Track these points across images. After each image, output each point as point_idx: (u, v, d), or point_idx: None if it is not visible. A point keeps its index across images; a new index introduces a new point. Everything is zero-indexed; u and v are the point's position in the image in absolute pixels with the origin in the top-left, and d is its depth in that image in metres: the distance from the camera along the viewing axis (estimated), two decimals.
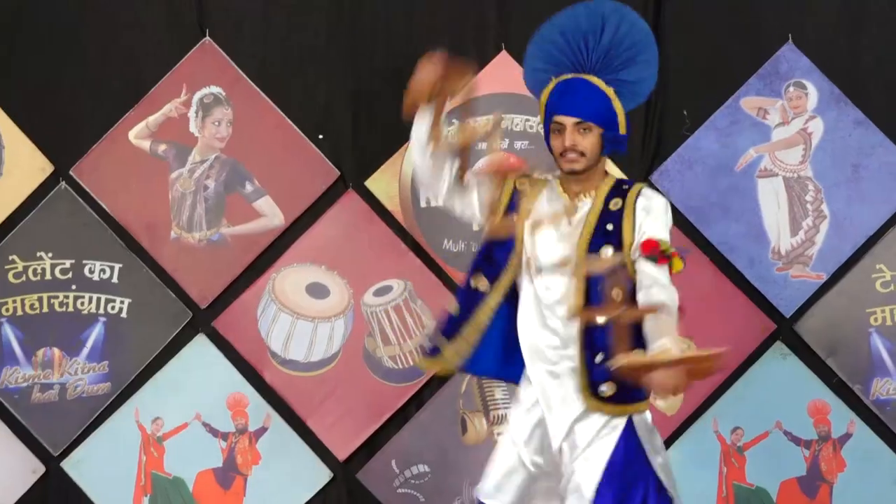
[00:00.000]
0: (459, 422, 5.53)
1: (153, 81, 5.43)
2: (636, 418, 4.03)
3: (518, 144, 5.55)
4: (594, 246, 3.99)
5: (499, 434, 5.53)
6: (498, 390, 5.55)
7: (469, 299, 4.14)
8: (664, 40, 5.43)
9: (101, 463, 5.47)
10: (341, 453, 5.47)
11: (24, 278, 5.47)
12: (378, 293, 5.61)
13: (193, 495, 5.48)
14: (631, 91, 4.11)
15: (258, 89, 5.46)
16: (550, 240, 4.08)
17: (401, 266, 5.58)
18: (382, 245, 5.58)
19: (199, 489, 5.49)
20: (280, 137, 5.53)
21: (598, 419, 4.02)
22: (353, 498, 5.51)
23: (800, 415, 5.38)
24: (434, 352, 4.16)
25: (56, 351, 5.49)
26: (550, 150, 4.09)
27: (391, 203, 5.54)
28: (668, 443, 5.30)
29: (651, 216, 4.04)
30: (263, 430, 5.50)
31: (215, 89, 5.48)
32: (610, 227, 4.00)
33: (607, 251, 3.98)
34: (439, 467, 5.52)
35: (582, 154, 3.99)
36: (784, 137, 5.45)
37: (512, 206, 4.16)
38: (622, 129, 4.07)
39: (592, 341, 3.99)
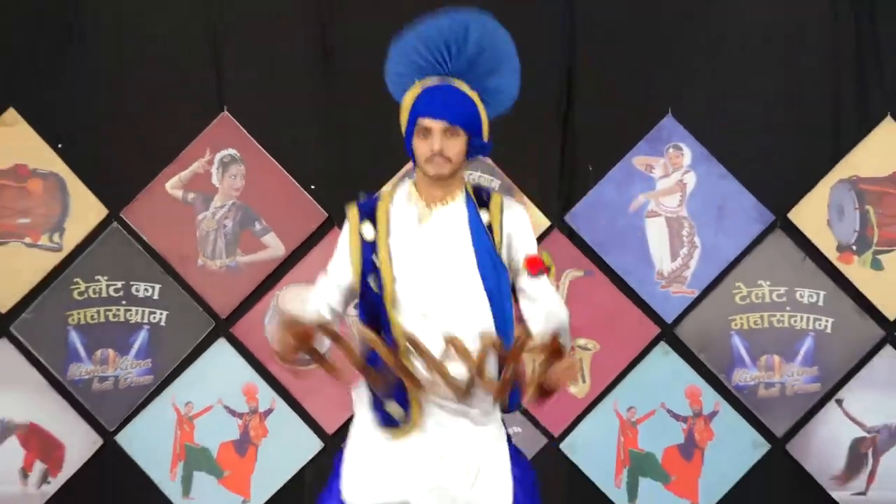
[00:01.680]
0: None
1: (184, 144, 5.87)
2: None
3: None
4: (488, 276, 3.68)
5: None
6: None
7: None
8: (576, 111, 5.82)
9: (145, 436, 5.87)
10: (330, 428, 5.84)
11: (85, 296, 5.86)
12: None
13: (217, 461, 5.87)
14: (495, 99, 3.81)
15: (264, 150, 5.88)
16: (424, 255, 3.71)
17: None
18: None
19: (221, 456, 5.87)
20: (281, 188, 5.88)
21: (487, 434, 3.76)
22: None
23: (678, 397, 5.83)
24: (394, 422, 3.77)
25: (111, 351, 5.88)
26: (411, 154, 3.75)
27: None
28: (579, 419, 5.83)
29: (522, 231, 3.78)
30: (270, 410, 5.87)
31: (232, 151, 5.88)
32: (518, 332, 3.67)
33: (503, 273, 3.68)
34: None
35: (449, 160, 3.68)
36: (665, 187, 5.86)
37: (367, 252, 3.78)
38: (486, 136, 3.79)
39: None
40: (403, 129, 3.76)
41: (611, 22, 5.86)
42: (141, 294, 5.90)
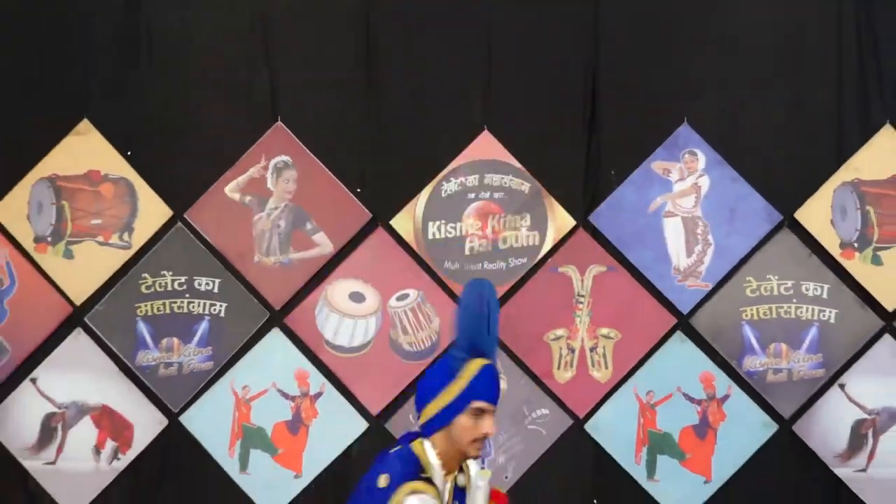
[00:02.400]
0: None
1: (242, 152, 6.02)
2: None
3: (496, 195, 5.96)
4: None
5: None
6: None
7: None
8: (600, 120, 5.96)
9: (206, 417, 5.98)
10: (374, 409, 5.97)
11: (152, 290, 5.99)
12: (399, 298, 6.01)
13: (271, 439, 5.95)
14: None
15: (314, 157, 6.02)
16: None
17: (415, 279, 6.01)
18: (402, 265, 5.99)
19: (276, 435, 5.96)
20: (330, 190, 5.99)
21: None
22: (383, 441, 5.69)
23: (693, 382, 5.93)
24: None
25: (175, 340, 6.01)
26: (449, 422, 3.53)
27: (408, 236, 6.01)
28: (602, 402, 5.93)
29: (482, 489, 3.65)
30: (320, 394, 5.98)
31: (285, 157, 6.01)
32: None
33: None
34: None
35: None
36: (682, 189, 5.98)
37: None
38: None
39: None
40: (450, 398, 3.58)
41: (631, 39, 6.02)
42: (202, 288, 6.03)
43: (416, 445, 3.60)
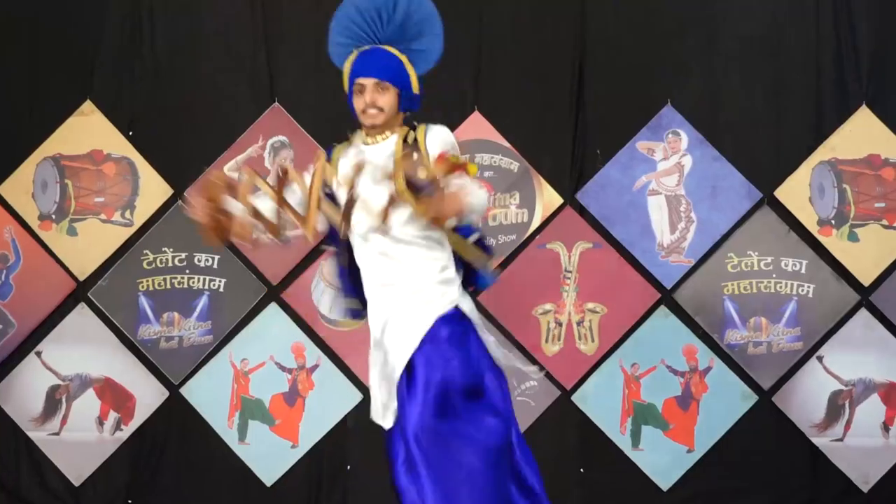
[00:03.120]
0: None
1: (240, 132, 6.05)
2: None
3: (486, 174, 5.98)
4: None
5: None
6: None
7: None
8: (586, 101, 5.99)
9: (206, 389, 6.04)
10: (368, 381, 5.44)
11: (153, 266, 6.03)
12: None
13: (269, 410, 6.01)
14: (422, 58, 4.06)
15: (311, 137, 6.04)
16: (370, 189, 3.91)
17: None
18: None
19: (273, 406, 6.02)
20: None
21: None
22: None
23: (677, 354, 6.01)
24: (358, 314, 4.20)
25: (175, 314, 6.06)
26: (354, 111, 4.03)
27: None
28: (588, 375, 6.00)
29: (435, 141, 3.99)
30: (316, 366, 6.02)
31: (282, 138, 6.04)
32: (415, 155, 3.94)
33: (422, 172, 3.88)
34: None
35: (381, 110, 3.97)
36: (665, 168, 6.04)
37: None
38: (415, 89, 4.04)
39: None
40: (346, 91, 4.08)
41: (617, 22, 6.08)
42: (202, 264, 6.08)
43: None
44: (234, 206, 3.95)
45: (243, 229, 3.99)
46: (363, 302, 4.15)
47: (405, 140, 4.01)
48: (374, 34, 4.06)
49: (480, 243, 4.11)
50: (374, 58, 4.01)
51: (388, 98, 3.99)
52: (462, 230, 4.04)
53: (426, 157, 3.93)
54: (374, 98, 3.97)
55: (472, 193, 3.82)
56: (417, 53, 4.07)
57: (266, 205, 4.02)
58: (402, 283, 4.02)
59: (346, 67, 4.06)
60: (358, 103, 4.01)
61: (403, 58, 4.04)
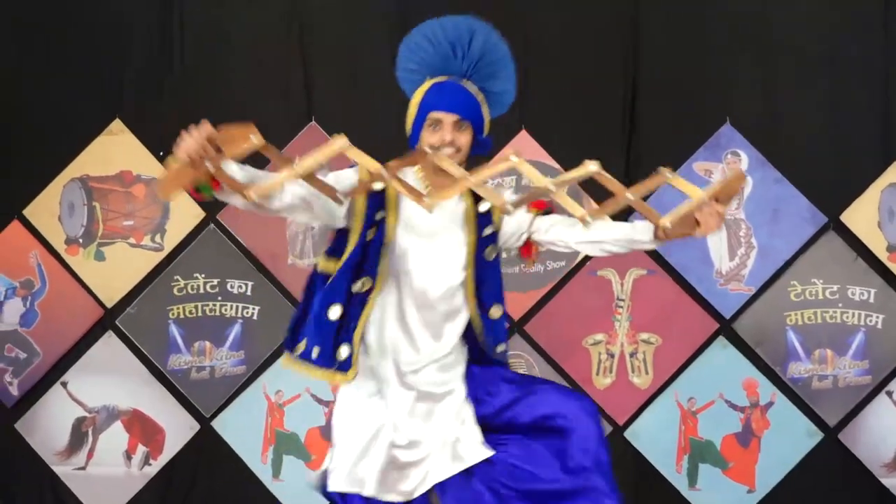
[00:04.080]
0: None
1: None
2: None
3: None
4: (481, 247, 3.74)
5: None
6: (520, 370, 5.59)
7: (352, 302, 3.68)
8: (640, 120, 5.83)
9: (239, 422, 5.93)
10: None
11: (184, 292, 5.94)
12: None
13: (305, 445, 5.89)
14: (496, 100, 3.86)
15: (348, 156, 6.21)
16: (426, 246, 3.70)
17: None
18: None
19: (309, 441, 5.89)
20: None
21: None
22: None
23: (736, 388, 5.82)
24: (345, 366, 3.71)
25: (207, 343, 5.96)
26: (414, 142, 3.77)
27: None
28: (643, 409, 5.83)
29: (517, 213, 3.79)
30: None
31: None
32: (488, 230, 3.75)
33: (491, 253, 3.73)
34: None
35: (458, 150, 3.71)
36: None
37: (373, 205, 3.70)
38: (486, 132, 3.82)
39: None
40: (410, 122, 3.81)
41: (671, 38, 5.90)
42: (235, 290, 5.98)
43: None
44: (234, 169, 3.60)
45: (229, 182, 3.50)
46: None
47: (476, 205, 3.75)
48: (450, 66, 3.80)
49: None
50: (455, 93, 3.74)
51: (466, 138, 3.73)
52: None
53: (498, 223, 3.78)
54: (454, 136, 3.70)
55: None
56: (492, 95, 3.85)
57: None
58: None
59: (418, 97, 3.79)
60: (431, 139, 3.71)
61: (481, 97, 3.80)
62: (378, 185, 3.60)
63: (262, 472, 5.92)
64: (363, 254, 3.66)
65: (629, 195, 3.51)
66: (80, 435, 5.94)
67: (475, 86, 3.79)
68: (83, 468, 5.94)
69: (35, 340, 5.94)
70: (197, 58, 5.98)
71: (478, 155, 3.82)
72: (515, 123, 5.91)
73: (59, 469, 5.94)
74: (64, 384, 5.94)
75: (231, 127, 3.51)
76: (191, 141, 3.45)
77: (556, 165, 5.85)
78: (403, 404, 3.75)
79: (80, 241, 5.95)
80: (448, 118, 3.70)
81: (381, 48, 5.85)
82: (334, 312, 3.67)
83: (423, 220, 3.71)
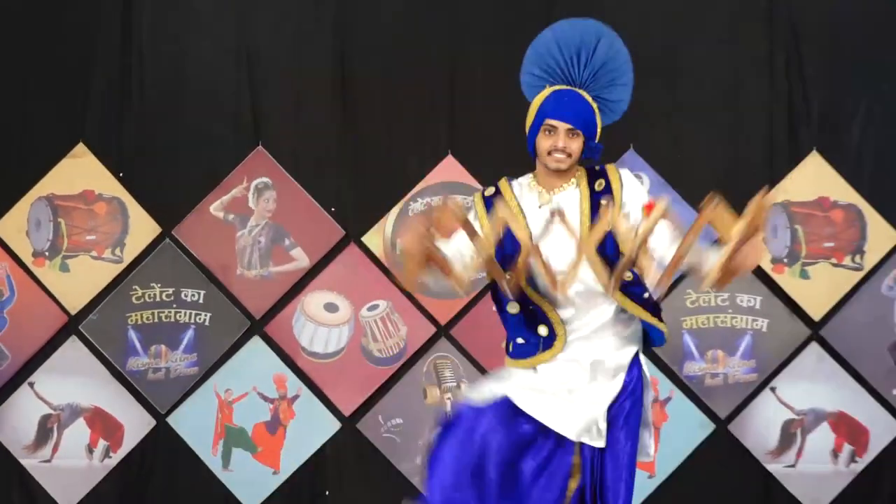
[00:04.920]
0: (422, 391, 6.01)
1: (226, 173, 6.09)
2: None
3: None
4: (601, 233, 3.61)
5: (448, 399, 5.90)
6: (447, 370, 5.98)
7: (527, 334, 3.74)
8: None
9: (192, 418, 6.05)
10: (347, 411, 6.03)
11: (142, 300, 6.05)
12: (370, 309, 6.06)
13: (252, 439, 6.02)
14: (609, 109, 3.88)
15: (293, 179, 6.08)
16: (554, 243, 3.63)
17: (384, 291, 6.04)
18: (372, 278, 6.04)
19: (256, 435, 6.04)
20: (306, 210, 6.04)
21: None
22: (354, 440, 5.99)
23: None
24: (549, 341, 3.74)
25: (163, 347, 6.06)
26: (533, 148, 3.79)
27: (378, 251, 6.05)
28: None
29: (635, 188, 3.81)
30: (297, 397, 6.04)
31: (266, 179, 6.08)
32: (604, 201, 3.70)
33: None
34: (410, 420, 5.95)
35: (569, 155, 3.73)
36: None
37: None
38: (597, 140, 3.84)
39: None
40: (529, 124, 3.83)
41: None
42: (189, 299, 6.09)
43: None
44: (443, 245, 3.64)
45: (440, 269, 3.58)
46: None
47: (592, 186, 3.79)
48: (570, 74, 3.83)
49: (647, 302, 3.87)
50: (571, 102, 3.79)
51: (577, 145, 3.78)
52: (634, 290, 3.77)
53: (618, 198, 3.74)
54: (566, 143, 3.75)
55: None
56: (607, 104, 3.88)
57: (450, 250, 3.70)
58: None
59: (537, 102, 3.84)
60: (544, 143, 3.78)
61: (595, 106, 3.84)
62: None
63: (213, 463, 6.06)
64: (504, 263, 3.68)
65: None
66: (46, 430, 6.07)
67: (592, 94, 3.82)
68: (48, 461, 6.07)
69: (4, 344, 6.07)
70: (154, 85, 6.13)
71: (589, 158, 3.85)
72: (443, 149, 6.04)
73: (26, 462, 6.08)
74: (31, 384, 6.08)
75: (439, 209, 3.51)
76: (411, 236, 3.51)
77: (480, 187, 5.82)
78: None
79: (47, 254, 6.08)
80: (562, 126, 3.75)
81: (321, 76, 6.09)
82: (513, 308, 3.77)
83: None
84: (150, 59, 6.16)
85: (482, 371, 6.02)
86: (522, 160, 5.65)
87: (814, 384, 6.09)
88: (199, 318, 6.12)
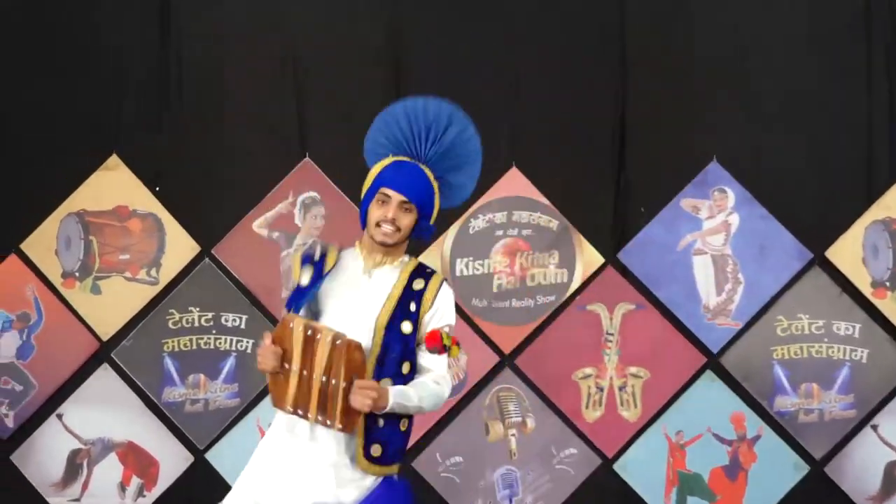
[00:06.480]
0: (484, 426, 5.81)
1: (270, 188, 5.91)
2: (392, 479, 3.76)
3: (524, 232, 5.80)
4: (395, 319, 3.69)
5: (513, 435, 5.77)
6: (511, 403, 5.80)
7: None
8: (629, 158, 5.80)
9: (233, 454, 5.80)
10: None
11: (179, 325, 5.91)
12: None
13: None
14: (452, 192, 3.87)
15: (342, 192, 5.89)
16: (347, 303, 3.71)
17: None
18: None
19: None
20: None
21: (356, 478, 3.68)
22: (409, 479, 5.48)
23: (724, 422, 5.77)
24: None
25: (202, 376, 5.92)
26: (364, 216, 3.78)
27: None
28: (632, 442, 5.77)
29: (444, 311, 3.77)
30: None
31: (313, 194, 5.92)
32: (413, 306, 3.72)
33: (406, 326, 3.69)
34: (470, 458, 5.79)
35: (398, 230, 3.72)
36: (711, 227, 5.84)
37: (309, 259, 3.78)
38: (432, 220, 3.81)
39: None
40: (364, 191, 3.81)
41: (659, 78, 5.86)
42: (230, 324, 5.94)
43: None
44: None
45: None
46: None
47: (411, 281, 3.74)
48: (416, 148, 3.80)
49: None
50: (410, 174, 3.75)
51: (409, 220, 3.75)
52: None
53: (428, 306, 3.71)
54: (396, 215, 3.72)
55: (425, 396, 3.69)
56: (449, 186, 3.84)
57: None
58: None
59: (376, 170, 3.81)
60: (375, 213, 3.75)
61: (436, 185, 3.78)
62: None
63: None
64: None
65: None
66: (75, 467, 5.89)
67: (435, 174, 3.78)
68: (78, 500, 5.90)
69: (31, 373, 5.88)
70: (193, 94, 5.95)
71: (419, 238, 3.83)
72: (506, 160, 5.85)
73: (54, 501, 5.90)
74: (59, 416, 5.88)
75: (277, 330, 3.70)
76: (261, 360, 3.67)
77: (546, 202, 5.84)
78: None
79: (77, 274, 5.91)
80: (397, 197, 3.71)
81: (372, 84, 5.87)
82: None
83: None
84: (188, 65, 5.98)
85: (549, 405, 5.85)
86: (591, 171, 5.82)
87: None
88: (241, 346, 5.94)
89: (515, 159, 5.86)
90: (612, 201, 5.84)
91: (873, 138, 5.84)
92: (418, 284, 3.75)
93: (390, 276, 3.76)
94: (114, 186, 5.92)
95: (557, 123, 5.87)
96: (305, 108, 5.93)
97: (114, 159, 5.90)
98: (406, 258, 3.82)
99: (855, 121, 5.86)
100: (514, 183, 5.84)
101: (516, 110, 5.88)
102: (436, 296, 3.75)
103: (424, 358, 3.73)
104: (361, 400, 3.53)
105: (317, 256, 3.81)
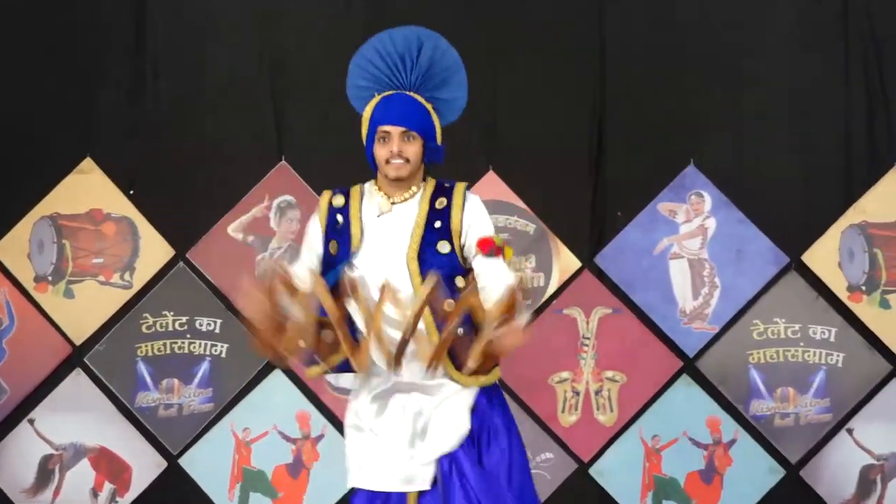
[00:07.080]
0: None
1: (245, 191, 5.84)
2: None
3: (501, 236, 5.95)
4: (427, 246, 3.72)
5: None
6: None
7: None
8: (606, 161, 5.78)
9: (206, 460, 5.83)
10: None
11: (153, 330, 5.85)
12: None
13: (272, 482, 5.81)
14: (447, 108, 3.89)
15: (318, 196, 5.76)
16: (377, 248, 3.73)
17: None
18: None
19: (276, 478, 5.82)
20: None
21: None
22: None
23: (700, 426, 5.75)
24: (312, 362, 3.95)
25: (175, 381, 5.85)
26: (373, 159, 3.81)
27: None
28: (607, 447, 5.75)
29: (478, 216, 3.80)
30: (321, 436, 5.82)
31: (289, 197, 5.86)
32: (438, 224, 3.74)
33: (444, 246, 3.72)
34: None
35: (407, 160, 3.74)
36: (688, 231, 5.80)
37: (333, 228, 3.81)
38: (439, 140, 3.83)
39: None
40: (364, 137, 3.83)
41: (638, 80, 5.83)
42: (204, 328, 5.89)
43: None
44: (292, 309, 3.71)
45: (294, 339, 3.72)
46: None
47: (433, 202, 3.76)
48: (398, 79, 3.83)
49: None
50: (400, 105, 3.79)
51: (415, 148, 3.76)
52: None
53: (457, 221, 3.72)
54: (401, 148, 3.74)
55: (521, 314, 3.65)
56: (442, 103, 3.86)
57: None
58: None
59: (367, 112, 3.83)
60: (381, 152, 3.77)
61: (429, 106, 3.82)
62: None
63: None
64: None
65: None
66: (47, 472, 5.83)
67: (424, 95, 3.82)
68: None
69: (2, 377, 5.83)
70: (169, 96, 5.89)
71: (434, 162, 3.85)
72: (483, 163, 5.81)
73: None
74: (31, 421, 5.82)
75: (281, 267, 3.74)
76: (250, 307, 3.72)
77: (523, 205, 5.80)
78: None
79: (50, 278, 5.85)
80: (395, 130, 3.74)
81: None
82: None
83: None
84: (164, 66, 5.90)
85: (525, 409, 5.78)
86: (567, 175, 5.77)
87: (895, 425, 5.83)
88: (215, 350, 5.89)
89: (492, 163, 5.81)
90: (589, 205, 5.81)
91: (850, 143, 5.81)
92: (441, 203, 3.78)
93: (413, 208, 3.77)
94: (88, 190, 5.85)
95: (534, 127, 5.83)
96: (283, 110, 5.87)
97: (88, 162, 5.84)
98: (423, 184, 3.81)
99: (832, 126, 5.83)
100: (491, 187, 5.78)
101: (494, 113, 5.83)
102: (463, 209, 3.76)
103: (483, 267, 3.72)
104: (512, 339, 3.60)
105: (340, 223, 3.81)
